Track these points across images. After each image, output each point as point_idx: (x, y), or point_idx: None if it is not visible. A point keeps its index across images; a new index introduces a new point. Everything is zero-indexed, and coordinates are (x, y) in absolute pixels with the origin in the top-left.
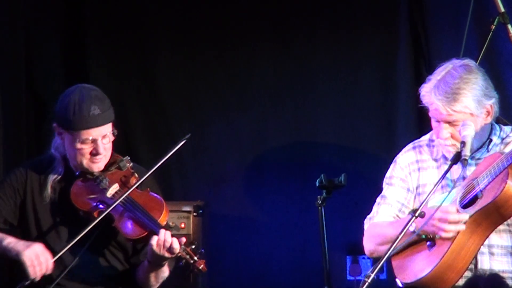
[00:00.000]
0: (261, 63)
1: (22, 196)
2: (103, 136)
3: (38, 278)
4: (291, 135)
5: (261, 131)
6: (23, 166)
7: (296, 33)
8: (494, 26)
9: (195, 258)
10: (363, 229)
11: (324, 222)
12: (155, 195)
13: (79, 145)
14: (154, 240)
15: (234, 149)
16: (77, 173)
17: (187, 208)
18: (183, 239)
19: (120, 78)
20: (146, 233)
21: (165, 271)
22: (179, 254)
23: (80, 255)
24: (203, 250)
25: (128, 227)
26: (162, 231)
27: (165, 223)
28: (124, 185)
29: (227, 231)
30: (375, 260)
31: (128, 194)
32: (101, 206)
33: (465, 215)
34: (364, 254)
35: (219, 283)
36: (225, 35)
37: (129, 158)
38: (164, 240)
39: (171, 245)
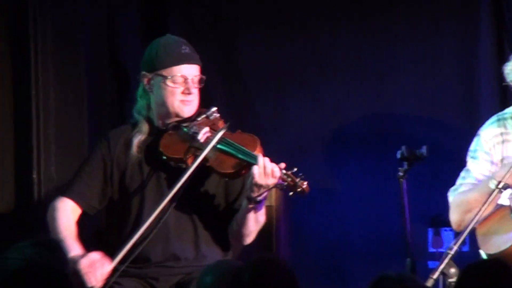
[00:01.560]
0: (343, 34)
1: (109, 162)
2: (193, 76)
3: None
4: (371, 107)
5: (342, 102)
6: (104, 137)
7: (377, 5)
8: None
9: (297, 180)
10: (446, 201)
11: (405, 194)
12: (247, 134)
13: (170, 84)
14: (255, 169)
15: (315, 120)
16: (164, 128)
17: None
18: (282, 164)
19: (200, 48)
20: (244, 164)
21: (263, 214)
22: (281, 178)
23: (168, 214)
24: (302, 174)
25: (225, 162)
26: (261, 159)
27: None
28: (214, 130)
29: (308, 202)
30: (458, 233)
31: (221, 135)
32: (194, 150)
33: None
34: (446, 226)
35: (301, 254)
36: (307, 7)
37: (216, 108)
38: (264, 166)
39: (272, 170)
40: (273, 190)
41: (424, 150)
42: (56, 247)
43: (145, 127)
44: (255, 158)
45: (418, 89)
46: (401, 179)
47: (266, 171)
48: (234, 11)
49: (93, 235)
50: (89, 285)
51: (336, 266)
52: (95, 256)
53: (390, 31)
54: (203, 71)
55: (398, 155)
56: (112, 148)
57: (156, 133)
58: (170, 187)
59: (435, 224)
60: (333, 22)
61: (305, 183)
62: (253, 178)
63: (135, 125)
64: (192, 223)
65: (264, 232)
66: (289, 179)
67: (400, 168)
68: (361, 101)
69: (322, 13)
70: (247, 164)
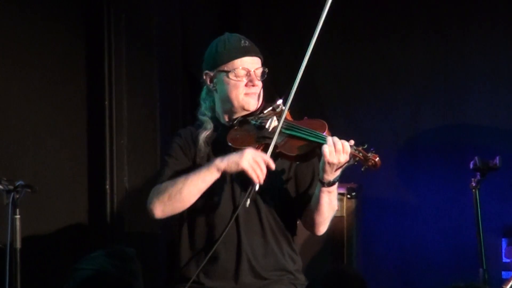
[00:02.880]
0: (414, 44)
1: (184, 154)
2: (255, 69)
3: (262, 182)
4: (444, 117)
5: (414, 113)
6: (176, 132)
7: (449, 15)
8: None
9: (368, 154)
10: None
11: (479, 205)
12: (314, 119)
13: (233, 78)
14: (325, 148)
15: (387, 131)
16: (230, 123)
17: (341, 190)
18: (352, 141)
19: (273, 55)
20: (314, 145)
21: (336, 198)
22: (352, 154)
23: (241, 207)
24: (373, 149)
25: (294, 146)
26: (329, 137)
27: None
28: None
29: (380, 214)
30: None
31: (289, 121)
32: (262, 139)
33: None
34: None
35: (373, 265)
36: (381, 15)
37: (281, 101)
38: (334, 143)
39: (342, 145)
40: (344, 199)
41: (497, 160)
42: (129, 258)
43: (209, 125)
44: (323, 138)
45: (492, 99)
46: (475, 190)
47: (337, 148)
48: (306, 19)
49: (166, 246)
50: (257, 182)
51: (409, 276)
52: (251, 151)
53: (464, 41)
54: (273, 75)
55: (472, 166)
56: (184, 142)
57: (222, 130)
58: (242, 181)
59: (508, 234)
60: (407, 31)
61: (377, 156)
62: (324, 157)
63: (200, 125)
64: (260, 215)
65: (335, 243)
66: (360, 154)
67: (473, 179)
68: (434, 112)
69: (395, 22)
70: (317, 145)
